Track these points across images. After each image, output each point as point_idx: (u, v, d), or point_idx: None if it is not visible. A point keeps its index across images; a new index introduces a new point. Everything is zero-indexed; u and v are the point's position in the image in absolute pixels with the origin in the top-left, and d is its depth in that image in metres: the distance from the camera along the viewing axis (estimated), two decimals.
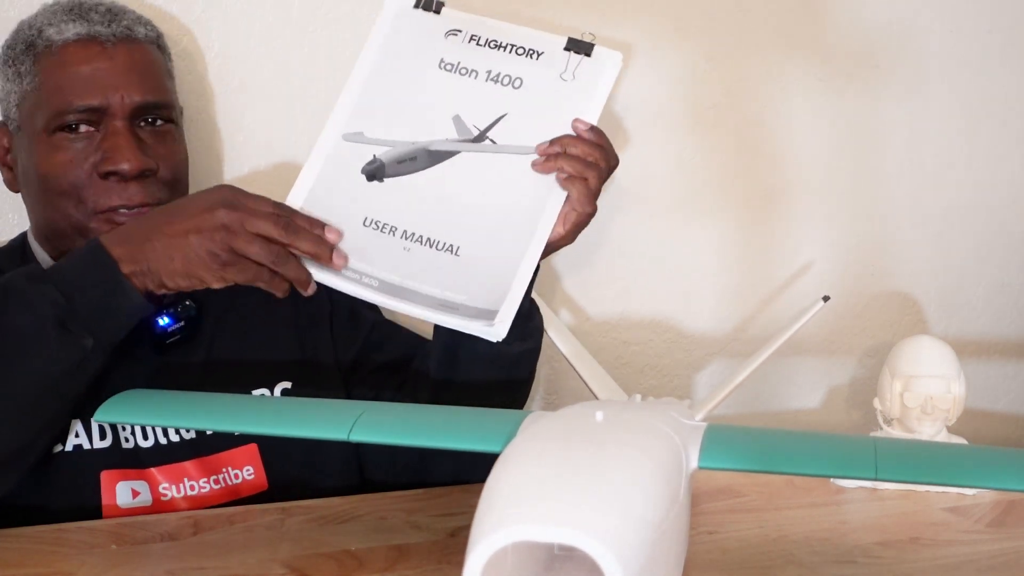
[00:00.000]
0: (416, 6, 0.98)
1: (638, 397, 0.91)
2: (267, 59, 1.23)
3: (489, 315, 0.89)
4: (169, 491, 0.97)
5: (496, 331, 0.89)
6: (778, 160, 1.46)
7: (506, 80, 0.96)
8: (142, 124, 0.99)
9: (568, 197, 0.93)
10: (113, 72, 0.97)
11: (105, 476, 0.95)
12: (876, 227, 1.52)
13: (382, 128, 0.96)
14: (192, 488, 0.97)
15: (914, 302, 1.55)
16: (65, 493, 0.94)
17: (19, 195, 1.05)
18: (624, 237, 1.40)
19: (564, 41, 0.97)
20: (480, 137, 0.95)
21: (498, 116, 0.95)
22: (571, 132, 0.94)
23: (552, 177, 0.94)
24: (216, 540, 0.86)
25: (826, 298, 1.02)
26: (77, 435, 0.95)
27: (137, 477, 0.97)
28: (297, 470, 1.01)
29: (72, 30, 0.97)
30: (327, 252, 0.89)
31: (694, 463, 0.70)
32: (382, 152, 0.95)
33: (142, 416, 0.86)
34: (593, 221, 1.37)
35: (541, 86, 0.95)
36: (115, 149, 0.96)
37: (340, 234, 0.90)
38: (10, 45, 1.01)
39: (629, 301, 1.41)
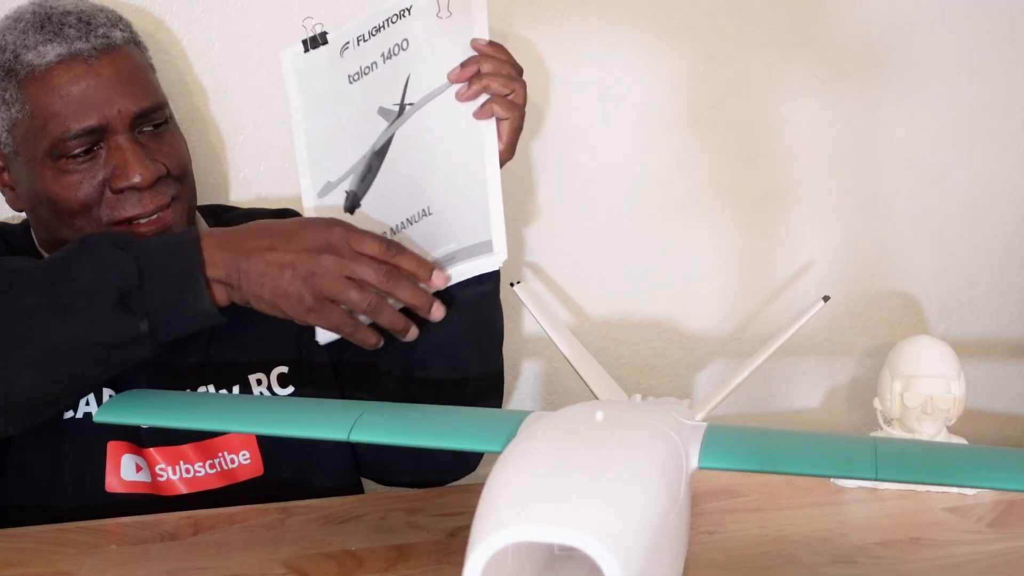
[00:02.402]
0: (307, 51, 1.00)
1: (638, 397, 0.91)
2: (267, 59, 1.23)
3: (485, 246, 0.94)
4: (166, 472, 0.97)
5: (498, 257, 0.94)
6: (778, 160, 1.46)
7: (396, 49, 0.97)
8: (141, 130, 0.99)
9: (495, 112, 0.94)
10: (103, 88, 0.96)
11: (112, 447, 0.96)
12: (876, 227, 1.52)
13: (340, 164, 0.99)
14: (188, 471, 0.98)
15: (914, 302, 1.55)
16: (74, 459, 0.95)
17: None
18: (624, 237, 1.40)
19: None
20: (401, 109, 0.97)
21: (404, 81, 0.96)
22: (473, 54, 0.95)
23: (477, 100, 0.95)
24: (216, 540, 0.86)
25: (826, 298, 1.02)
26: (87, 403, 0.96)
27: (138, 454, 0.98)
28: (293, 455, 1.02)
29: (52, 52, 0.95)
30: (427, 303, 0.90)
31: (694, 463, 0.70)
32: (347, 183, 0.99)
33: (142, 416, 0.86)
34: (594, 220, 1.38)
35: (424, 33, 0.96)
36: (124, 164, 0.96)
37: (447, 279, 0.93)
38: None
39: (629, 301, 1.41)
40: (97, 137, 0.96)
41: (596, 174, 1.37)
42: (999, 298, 1.60)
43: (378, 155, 0.98)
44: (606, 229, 1.39)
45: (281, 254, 0.86)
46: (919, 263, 1.55)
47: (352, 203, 0.99)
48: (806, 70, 1.44)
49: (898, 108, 1.50)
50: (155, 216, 0.98)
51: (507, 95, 0.95)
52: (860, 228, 1.51)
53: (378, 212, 0.98)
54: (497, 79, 0.94)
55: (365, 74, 0.98)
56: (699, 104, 1.40)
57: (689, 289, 1.44)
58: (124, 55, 0.99)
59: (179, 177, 1.01)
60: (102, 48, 0.97)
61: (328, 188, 1.00)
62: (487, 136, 0.95)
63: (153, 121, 0.99)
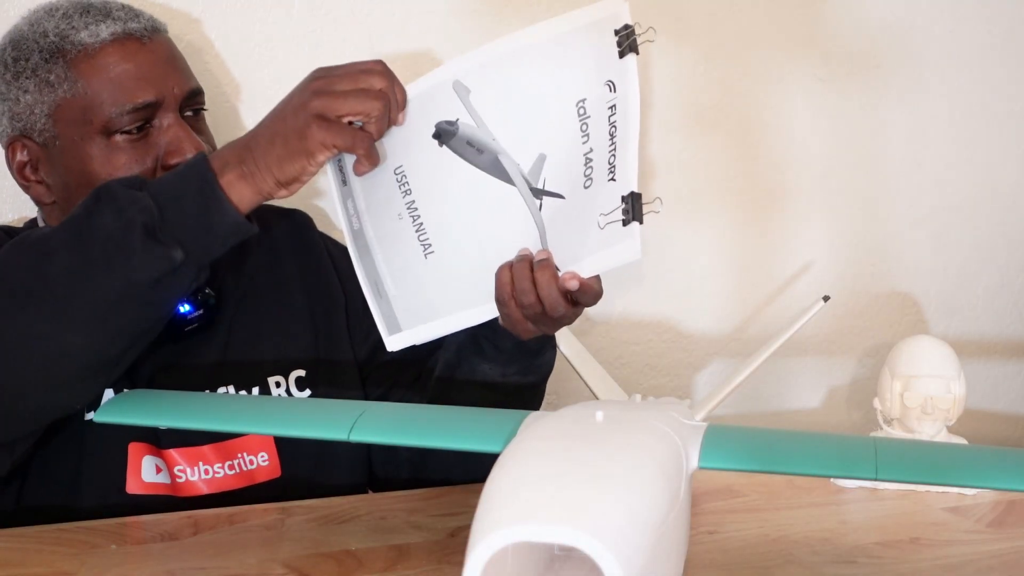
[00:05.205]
0: (617, 32, 0.84)
1: (638, 397, 0.91)
2: (266, 59, 1.23)
3: (394, 326, 0.92)
4: (184, 472, 0.97)
5: (391, 342, 0.92)
6: (778, 160, 1.46)
7: (588, 174, 0.87)
8: (187, 113, 1.00)
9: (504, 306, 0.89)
10: (158, 65, 0.98)
11: (132, 448, 0.96)
12: (876, 227, 1.52)
13: (485, 101, 0.88)
14: (207, 472, 0.98)
15: (914, 302, 1.55)
16: (95, 460, 0.95)
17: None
18: None
19: (634, 196, 0.88)
20: (536, 193, 0.88)
21: (559, 195, 0.88)
22: (577, 271, 0.87)
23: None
24: (216, 540, 0.86)
25: (826, 298, 1.02)
26: None
27: (156, 455, 0.98)
28: (310, 458, 1.02)
29: (106, 30, 0.96)
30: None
31: (694, 463, 0.70)
32: (463, 121, 0.88)
33: (142, 416, 0.86)
34: None
35: (587, 211, 0.87)
36: (178, 140, 0.97)
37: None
38: (17, 58, 0.97)
39: (629, 301, 1.41)
40: (150, 114, 0.96)
41: None
42: (999, 298, 1.60)
43: (493, 165, 0.88)
44: None
45: (277, 114, 0.86)
46: (919, 263, 1.55)
47: (444, 133, 0.88)
48: (806, 70, 1.44)
49: (898, 108, 1.50)
50: None
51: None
52: (860, 228, 1.51)
53: (431, 167, 0.89)
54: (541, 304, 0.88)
55: (582, 130, 0.88)
56: (699, 104, 1.40)
57: (689, 289, 1.44)
58: (168, 39, 1.02)
59: None
60: (152, 29, 1.00)
61: (462, 93, 0.87)
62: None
63: (197, 105, 1.01)
